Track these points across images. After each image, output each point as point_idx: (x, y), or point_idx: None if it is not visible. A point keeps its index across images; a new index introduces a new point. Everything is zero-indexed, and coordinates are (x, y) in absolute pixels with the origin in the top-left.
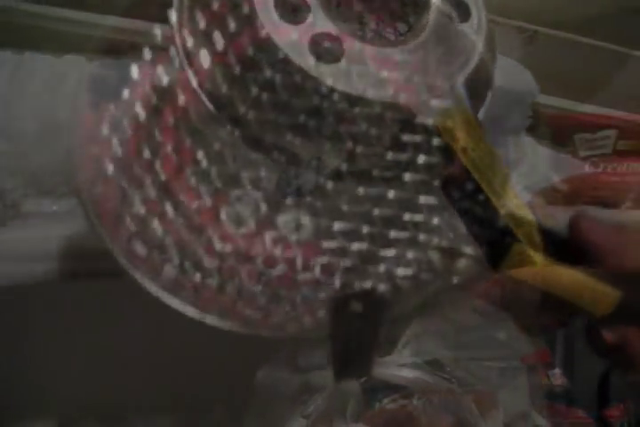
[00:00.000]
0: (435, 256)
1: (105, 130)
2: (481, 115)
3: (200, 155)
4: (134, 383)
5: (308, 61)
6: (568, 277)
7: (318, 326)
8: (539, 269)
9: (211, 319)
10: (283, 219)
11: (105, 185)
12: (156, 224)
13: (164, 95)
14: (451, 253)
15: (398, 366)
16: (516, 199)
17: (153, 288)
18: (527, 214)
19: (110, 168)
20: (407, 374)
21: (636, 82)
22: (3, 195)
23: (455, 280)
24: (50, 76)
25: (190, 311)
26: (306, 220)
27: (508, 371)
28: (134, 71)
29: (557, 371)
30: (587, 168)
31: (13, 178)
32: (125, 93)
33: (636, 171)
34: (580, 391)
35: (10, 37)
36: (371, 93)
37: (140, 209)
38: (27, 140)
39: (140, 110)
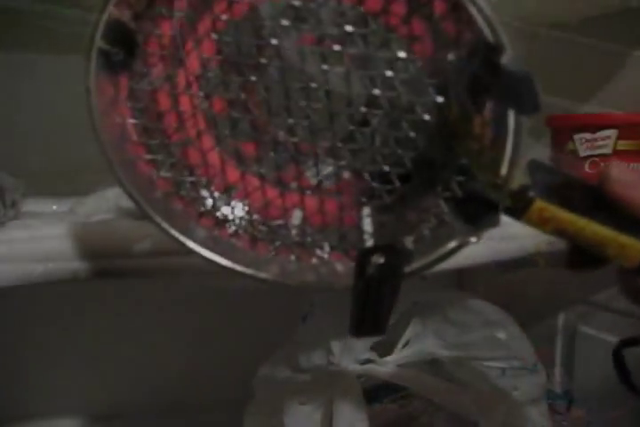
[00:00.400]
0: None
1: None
2: None
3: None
4: (133, 384)
5: None
6: (590, 231)
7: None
8: (561, 222)
9: (246, 270)
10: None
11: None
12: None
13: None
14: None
15: (398, 366)
16: None
17: (190, 244)
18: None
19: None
20: (407, 374)
21: (636, 82)
22: (3, 195)
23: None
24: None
25: (224, 262)
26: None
27: (508, 371)
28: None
29: (558, 371)
30: (587, 168)
31: (13, 178)
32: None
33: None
34: (581, 391)
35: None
36: None
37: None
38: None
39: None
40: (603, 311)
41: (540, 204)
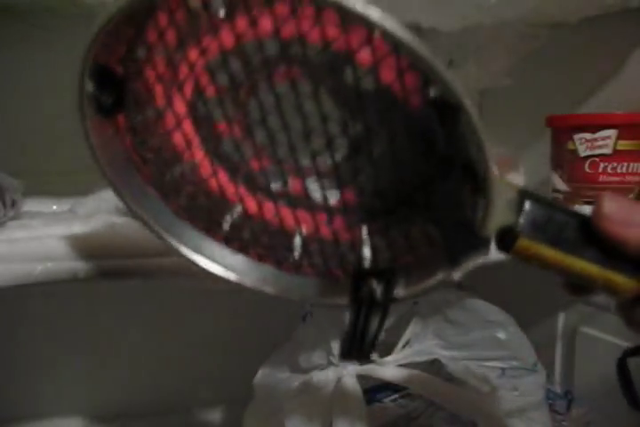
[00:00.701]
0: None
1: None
2: None
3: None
4: (133, 384)
5: None
6: (577, 268)
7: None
8: (546, 259)
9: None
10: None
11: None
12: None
13: None
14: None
15: (398, 366)
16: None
17: (209, 245)
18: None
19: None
20: (407, 374)
21: (636, 82)
22: (3, 195)
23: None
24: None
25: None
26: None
27: (508, 371)
28: None
29: (558, 371)
30: (587, 168)
31: (13, 178)
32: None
33: (635, 171)
34: (581, 391)
35: None
36: None
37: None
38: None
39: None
40: (603, 311)
41: (523, 242)
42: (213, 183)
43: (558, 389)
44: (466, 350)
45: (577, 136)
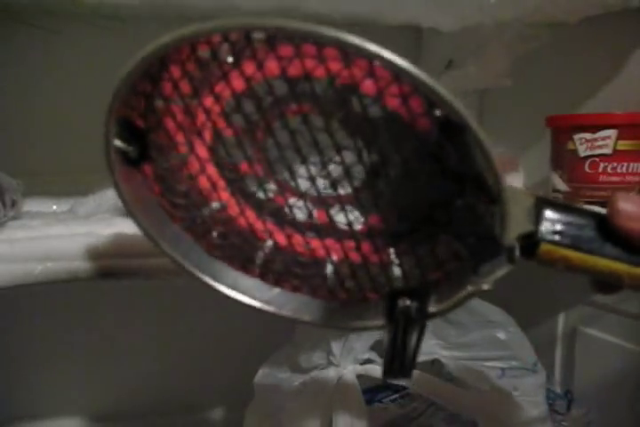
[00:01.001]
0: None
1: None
2: None
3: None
4: (134, 384)
5: None
6: (601, 267)
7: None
8: (570, 261)
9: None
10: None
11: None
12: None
13: None
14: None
15: None
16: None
17: (245, 281)
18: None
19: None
20: None
21: (636, 82)
22: (3, 195)
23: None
24: None
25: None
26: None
27: (508, 371)
28: None
29: (558, 371)
30: (587, 168)
31: (13, 178)
32: None
33: (636, 171)
34: (581, 391)
35: None
36: None
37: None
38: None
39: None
40: (603, 311)
41: (545, 247)
42: (242, 221)
43: (558, 389)
44: (466, 350)
45: (577, 136)
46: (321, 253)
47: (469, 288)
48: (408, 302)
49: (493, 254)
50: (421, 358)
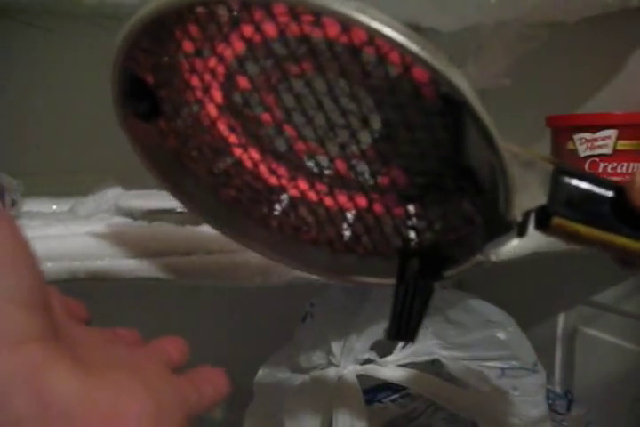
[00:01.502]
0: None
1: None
2: None
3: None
4: None
5: None
6: (618, 244)
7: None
8: (585, 237)
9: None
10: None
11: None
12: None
13: None
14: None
15: (398, 366)
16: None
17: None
18: None
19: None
20: (407, 374)
21: (636, 82)
22: (3, 195)
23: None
24: None
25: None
26: None
27: (507, 371)
28: None
29: (558, 371)
30: (587, 168)
31: (13, 178)
32: None
33: (635, 171)
34: (581, 391)
35: None
36: None
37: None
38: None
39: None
40: (603, 311)
41: (558, 220)
42: (260, 172)
43: (558, 389)
44: (466, 350)
45: (577, 136)
46: (335, 204)
47: (479, 257)
48: (419, 263)
49: (501, 224)
50: (421, 358)
